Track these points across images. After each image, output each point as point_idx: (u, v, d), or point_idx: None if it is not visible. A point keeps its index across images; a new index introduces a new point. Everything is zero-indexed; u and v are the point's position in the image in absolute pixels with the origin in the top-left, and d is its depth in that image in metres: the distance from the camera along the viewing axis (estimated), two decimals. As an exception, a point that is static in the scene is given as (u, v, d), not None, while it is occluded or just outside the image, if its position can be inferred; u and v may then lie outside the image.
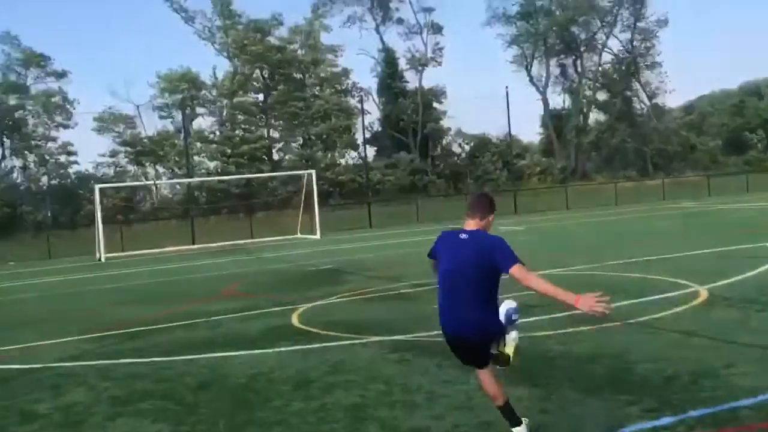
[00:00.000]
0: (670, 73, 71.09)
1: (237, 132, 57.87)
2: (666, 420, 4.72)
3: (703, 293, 9.21)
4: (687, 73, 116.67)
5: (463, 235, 4.52)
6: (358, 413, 5.42)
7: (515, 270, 4.31)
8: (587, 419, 4.86)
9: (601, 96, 68.76)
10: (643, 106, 69.43)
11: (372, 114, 62.86)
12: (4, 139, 54.08)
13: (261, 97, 61.33)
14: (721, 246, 14.67)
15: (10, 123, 53.27)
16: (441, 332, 4.56)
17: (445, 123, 65.08)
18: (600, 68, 67.96)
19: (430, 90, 64.69)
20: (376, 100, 65.12)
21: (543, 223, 29.31)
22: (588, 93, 67.79)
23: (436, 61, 65.72)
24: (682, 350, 6.48)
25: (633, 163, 65.41)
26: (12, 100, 54.08)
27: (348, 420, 5.29)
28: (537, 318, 8.46)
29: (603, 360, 6.35)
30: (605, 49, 67.88)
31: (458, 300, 4.41)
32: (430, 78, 79.64)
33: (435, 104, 64.85)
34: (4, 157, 54.08)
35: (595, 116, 69.13)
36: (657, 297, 9.25)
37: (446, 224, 31.61)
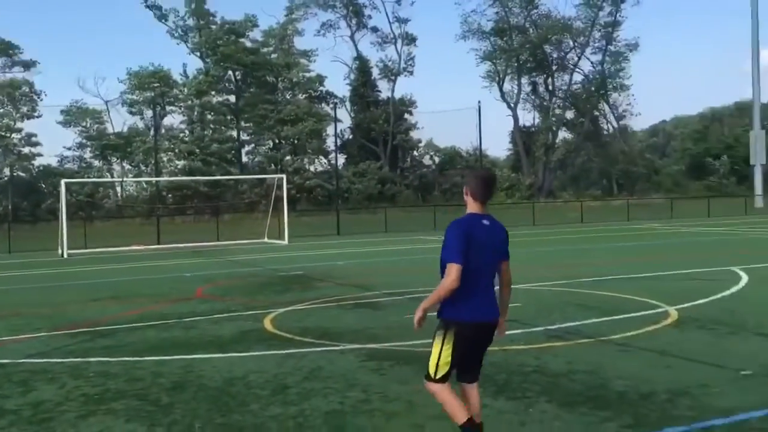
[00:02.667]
0: (637, 96, 72.46)
1: (206, 132, 57.43)
2: (644, 437, 4.80)
3: (673, 313, 9.37)
4: (653, 96, 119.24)
5: (486, 221, 4.35)
6: (336, 420, 5.40)
7: (507, 264, 4.51)
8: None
9: (570, 115, 69.81)
10: (610, 127, 70.69)
11: (343, 122, 62.93)
12: (-34, 128, 52.94)
13: (232, 98, 60.99)
14: (688, 268, 14.96)
15: (-27, 111, 52.20)
16: (444, 332, 4.26)
17: (415, 134, 65.45)
18: (570, 88, 69.02)
19: (402, 100, 64.99)
20: (348, 107, 65.21)
21: (511, 238, 29.52)
22: (558, 111, 68.75)
23: (408, 72, 66.14)
24: (656, 369, 6.58)
25: (598, 182, 66.49)
26: (-24, 88, 53.03)
27: (327, 427, 5.26)
28: (512, 332, 8.52)
29: (578, 375, 6.42)
30: (576, 69, 69.02)
31: (488, 288, 4.36)
32: (402, 88, 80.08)
33: (406, 115, 65.15)
34: (-35, 146, 52.94)
35: (563, 135, 70.17)
36: (629, 316, 9.38)
37: (414, 235, 31.76)
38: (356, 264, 18.44)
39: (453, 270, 4.12)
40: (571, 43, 68.03)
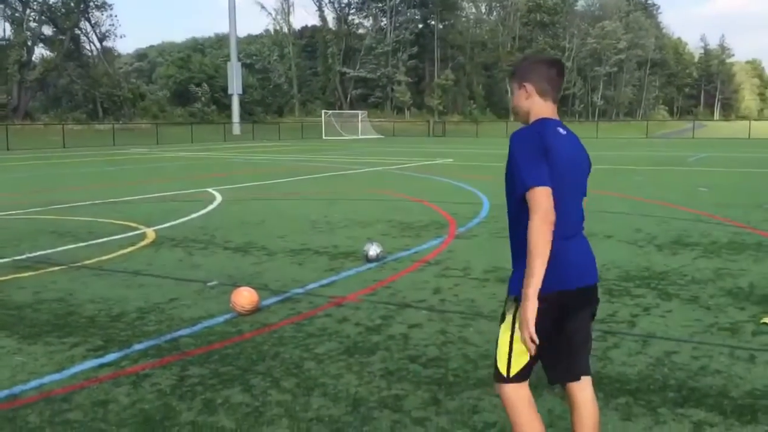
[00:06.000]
0: (122, 18, 70.35)
1: None
2: (112, 356, 4.73)
3: (151, 234, 9.50)
4: (139, 20, 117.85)
5: (563, 131, 2.81)
6: None
7: (585, 200, 2.99)
8: (27, 366, 4.54)
9: (48, 31, 64.40)
10: (93, 47, 67.61)
11: None
12: None
13: None
14: (168, 191, 15.38)
15: None
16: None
17: None
18: (47, 1, 63.42)
19: None
20: None
21: (-21, 163, 26.26)
22: (33, 25, 62.68)
23: None
24: (129, 289, 6.56)
25: (83, 105, 63.37)
26: None
27: None
28: (-31, 266, 7.55)
29: (46, 305, 6.01)
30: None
31: (580, 229, 2.87)
32: None
33: None
34: None
35: (40, 52, 64.54)
36: (105, 240, 9.18)
37: None
38: None
39: (542, 196, 2.59)
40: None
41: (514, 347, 2.75)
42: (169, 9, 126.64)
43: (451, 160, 26.95)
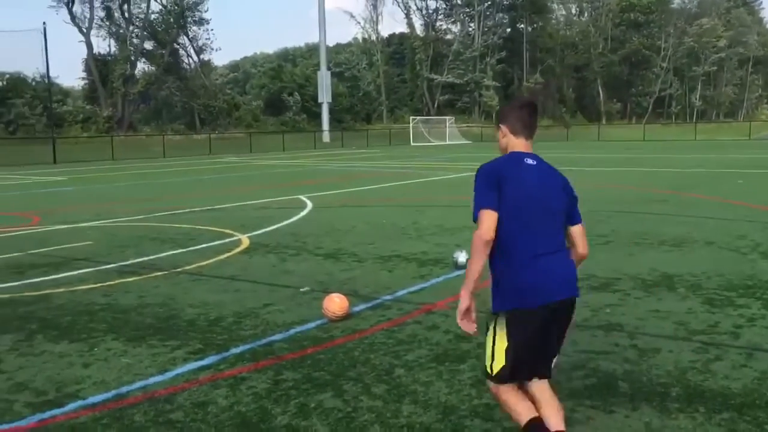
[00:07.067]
0: (217, 31, 72.98)
1: None
2: (210, 359, 4.91)
3: (245, 241, 9.80)
4: (233, 33, 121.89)
5: (531, 161, 3.22)
6: None
7: (582, 227, 3.34)
8: (132, 368, 4.78)
9: (149, 46, 67.48)
10: (191, 60, 70.36)
11: None
12: None
13: None
14: (262, 198, 15.82)
15: None
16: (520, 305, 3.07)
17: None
18: (148, 17, 66.48)
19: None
20: None
21: (88, 173, 27.78)
22: (136, 41, 65.86)
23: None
24: (226, 294, 6.79)
25: (181, 116, 66.05)
26: None
27: None
28: (82, 271, 8.01)
29: (149, 309, 6.30)
30: (153, -2, 66.62)
31: (549, 251, 3.13)
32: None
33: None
34: None
35: (142, 66, 67.69)
36: (203, 246, 9.54)
37: (-29, 172, 27.62)
38: None
39: (483, 217, 3.04)
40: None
41: (495, 351, 3.16)
42: (262, 21, 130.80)
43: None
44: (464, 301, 3.12)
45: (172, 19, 66.08)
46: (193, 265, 8.15)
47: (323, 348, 5.11)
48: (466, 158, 32.13)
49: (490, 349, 3.19)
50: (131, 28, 65.19)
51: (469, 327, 3.15)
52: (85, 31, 63.23)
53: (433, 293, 6.64)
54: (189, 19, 67.41)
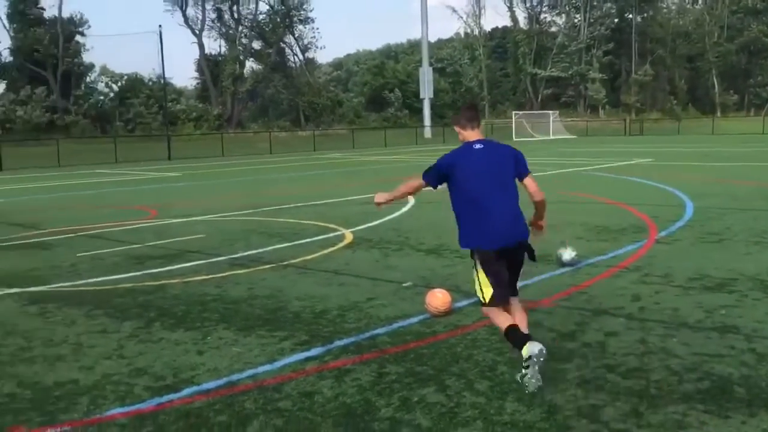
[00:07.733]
0: (321, 30, 74.39)
1: None
2: (316, 351, 5.04)
3: (349, 236, 9.98)
4: (336, 30, 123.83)
5: (479, 145, 4.49)
6: (-10, 373, 4.82)
7: (531, 179, 4.60)
8: (243, 357, 4.97)
9: (257, 45, 69.64)
10: (296, 59, 72.07)
11: (1, 42, 55.69)
12: None
13: None
14: (363, 194, 16.01)
15: None
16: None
17: (86, 58, 60.32)
18: (256, 17, 68.60)
19: (71, 20, 59.18)
20: (6, 25, 57.77)
21: (200, 169, 28.99)
22: (244, 41, 68.12)
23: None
24: (330, 288, 6.95)
25: (286, 113, 67.79)
26: None
27: (-22, 382, 4.67)
28: (194, 263, 8.39)
29: (258, 300, 6.53)
30: (261, -1, 68.66)
31: (507, 206, 4.40)
32: (70, 5, 72.27)
33: (78, 37, 59.48)
34: None
35: (250, 65, 69.95)
36: (308, 240, 9.78)
37: (92, 169, 29.47)
38: (22, 201, 16.61)
39: (419, 182, 4.59)
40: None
41: (480, 283, 4.45)
42: (364, 18, 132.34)
43: (650, 159, 25.57)
44: (381, 197, 4.88)
45: (278, 19, 67.91)
46: (299, 259, 8.38)
47: (426, 343, 5.14)
48: (571, 153, 31.34)
49: (477, 282, 4.46)
50: (240, 28, 67.50)
51: (379, 197, 4.88)
52: (197, 32, 66.01)
53: (536, 290, 6.54)
54: (295, 19, 69.07)
